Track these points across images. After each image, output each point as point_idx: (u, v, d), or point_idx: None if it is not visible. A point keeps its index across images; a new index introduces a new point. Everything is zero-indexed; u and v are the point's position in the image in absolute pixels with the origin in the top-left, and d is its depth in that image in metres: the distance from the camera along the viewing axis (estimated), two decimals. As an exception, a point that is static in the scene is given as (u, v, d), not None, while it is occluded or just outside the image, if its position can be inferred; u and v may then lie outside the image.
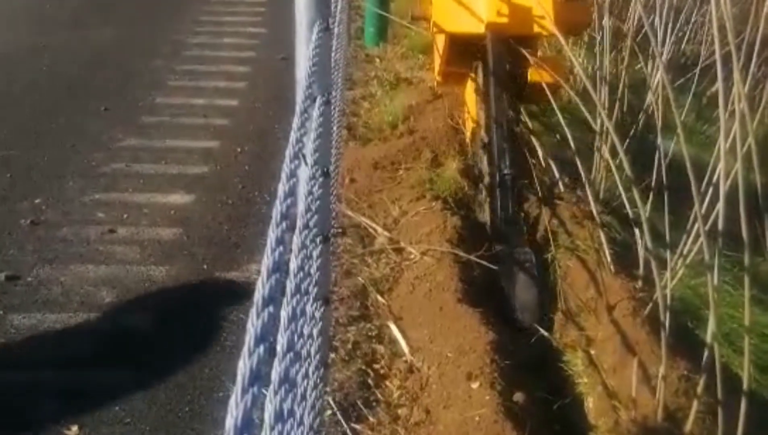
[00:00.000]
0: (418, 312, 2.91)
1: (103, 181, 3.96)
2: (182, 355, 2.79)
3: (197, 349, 2.82)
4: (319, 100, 1.76)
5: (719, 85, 2.13)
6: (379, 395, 2.58)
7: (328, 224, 2.00)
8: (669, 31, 3.30)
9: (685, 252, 2.54)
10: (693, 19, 5.07)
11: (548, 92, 3.35)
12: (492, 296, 3.01)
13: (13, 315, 2.95)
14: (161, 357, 2.78)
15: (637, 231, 2.90)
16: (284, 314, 1.01)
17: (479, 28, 3.52)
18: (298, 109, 1.42)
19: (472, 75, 3.80)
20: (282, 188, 1.10)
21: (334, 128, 2.76)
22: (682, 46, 5.07)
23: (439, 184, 3.71)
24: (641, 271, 2.91)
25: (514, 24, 3.47)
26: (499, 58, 3.47)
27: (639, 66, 3.83)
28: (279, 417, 0.86)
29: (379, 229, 3.47)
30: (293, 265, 1.14)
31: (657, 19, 3.34)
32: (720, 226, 2.14)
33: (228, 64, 5.61)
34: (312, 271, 1.44)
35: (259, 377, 0.77)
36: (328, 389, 2.46)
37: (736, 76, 2.14)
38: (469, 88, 3.91)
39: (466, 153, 3.98)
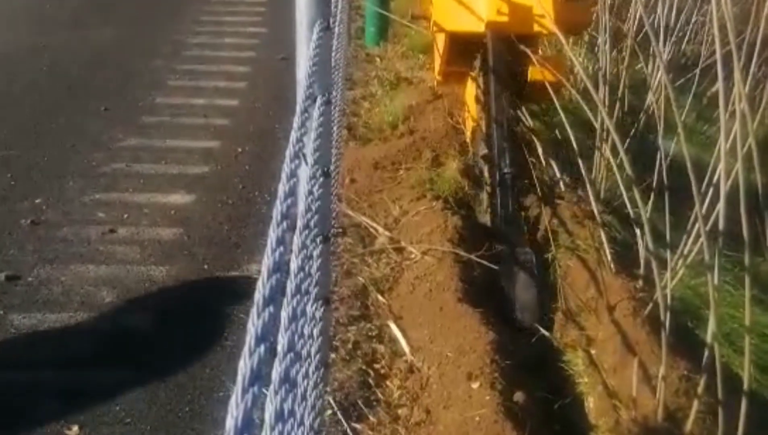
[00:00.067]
0: (419, 312, 2.91)
1: (104, 181, 3.96)
2: (182, 355, 2.79)
3: (197, 349, 2.82)
4: (319, 100, 1.76)
5: (720, 85, 2.13)
6: (379, 395, 2.58)
7: (328, 224, 2.00)
8: (669, 31, 3.29)
9: (685, 252, 2.54)
10: (693, 19, 5.07)
11: (551, 91, 3.35)
12: (492, 296, 3.01)
13: (13, 315, 2.95)
14: (161, 357, 2.78)
15: (637, 231, 2.90)
16: (285, 314, 1.01)
17: (479, 27, 3.52)
18: (298, 108, 1.42)
19: (473, 74, 3.80)
20: (282, 188, 1.10)
21: (335, 128, 2.76)
22: (683, 46, 5.07)
23: (440, 184, 3.71)
24: (642, 270, 2.91)
25: (514, 23, 3.47)
26: (499, 57, 3.47)
27: (639, 66, 3.83)
28: (279, 417, 0.86)
29: (380, 229, 3.47)
30: (294, 265, 1.14)
31: (657, 19, 3.34)
32: (720, 226, 2.14)
33: (228, 64, 5.61)
34: (312, 271, 1.44)
35: (259, 377, 0.77)
36: (328, 389, 2.46)
37: (737, 76, 2.14)
38: (470, 87, 3.91)
39: (467, 153, 3.98)
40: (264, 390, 0.79)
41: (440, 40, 3.93)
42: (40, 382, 2.64)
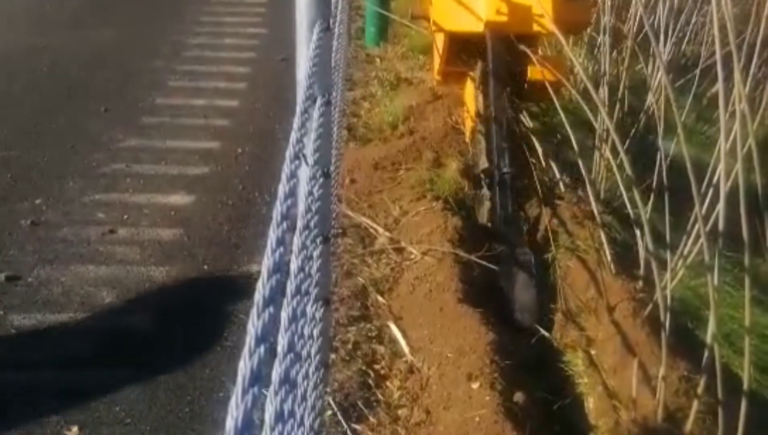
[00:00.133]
0: (419, 312, 2.91)
1: (104, 181, 3.96)
2: (182, 356, 2.79)
3: (197, 349, 2.82)
4: (319, 101, 1.76)
5: (720, 85, 2.13)
6: (379, 395, 2.58)
7: (328, 225, 2.00)
8: (669, 31, 3.29)
9: (685, 252, 2.54)
10: (693, 20, 5.07)
11: (551, 91, 3.35)
12: (492, 297, 3.01)
13: (13, 315, 2.95)
14: (161, 357, 2.78)
15: (637, 231, 2.90)
16: (285, 315, 1.01)
17: (478, 27, 3.52)
18: (298, 109, 1.42)
19: (472, 74, 3.80)
20: (282, 189, 1.10)
21: (335, 129, 2.76)
22: (683, 47, 5.07)
23: (440, 185, 3.71)
24: (642, 271, 2.91)
25: (513, 23, 3.48)
26: (498, 57, 3.47)
27: (639, 67, 3.83)
28: (279, 417, 0.86)
29: (380, 230, 3.47)
30: (294, 266, 1.14)
31: (657, 20, 3.34)
32: (720, 226, 2.14)
33: (228, 65, 5.61)
34: (312, 271, 1.44)
35: (259, 378, 0.77)
36: (328, 390, 2.46)
37: (737, 76, 2.14)
38: (469, 87, 3.91)
39: (467, 153, 3.98)
40: (264, 391, 0.79)
41: (439, 40, 3.93)
42: (40, 382, 2.64)
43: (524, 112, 3.92)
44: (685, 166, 2.29)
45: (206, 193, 3.88)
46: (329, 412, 2.45)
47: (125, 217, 3.65)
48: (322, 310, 1.69)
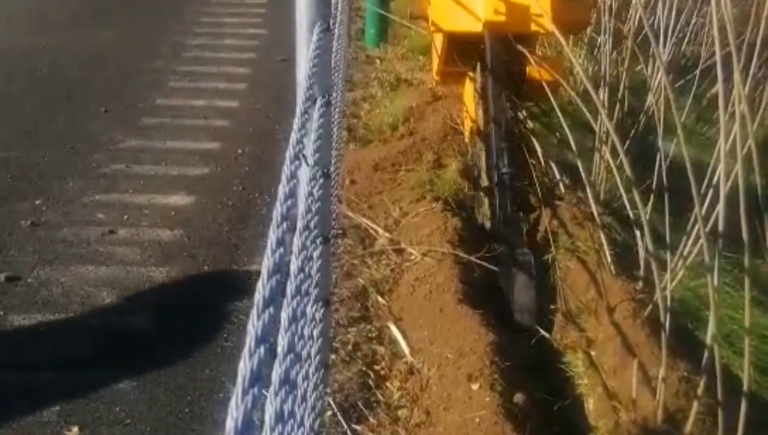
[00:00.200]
0: (419, 313, 2.91)
1: (104, 182, 3.96)
2: (182, 356, 2.79)
3: (197, 350, 2.82)
4: (319, 102, 1.76)
5: (719, 86, 2.13)
6: (379, 396, 2.58)
7: (328, 225, 2.01)
8: (669, 32, 3.30)
9: (685, 253, 2.54)
10: (693, 21, 5.07)
11: (548, 91, 3.35)
12: (492, 297, 3.01)
13: (13, 315, 2.95)
14: (161, 358, 2.78)
15: (637, 232, 2.90)
16: (285, 315, 1.01)
17: (477, 27, 3.52)
18: (298, 110, 1.42)
19: (471, 74, 3.80)
20: (282, 189, 1.10)
21: (335, 130, 2.76)
22: (683, 48, 5.07)
23: (440, 186, 3.71)
24: (642, 272, 2.91)
25: (511, 22, 3.47)
26: (497, 57, 3.47)
27: (639, 67, 3.83)
28: (279, 418, 0.86)
29: (380, 230, 3.47)
30: (294, 267, 1.14)
31: (657, 21, 3.34)
32: (720, 227, 2.14)
33: (228, 66, 5.61)
34: (312, 272, 1.44)
35: (259, 378, 0.77)
36: (328, 390, 2.46)
37: (737, 77, 2.14)
38: (468, 87, 3.91)
39: (467, 154, 3.99)
40: (264, 391, 0.79)
41: (438, 40, 3.93)
42: (40, 382, 2.64)
43: (524, 113, 3.92)
44: (685, 166, 2.29)
45: (206, 194, 3.88)
46: (329, 413, 2.45)
47: (125, 217, 3.65)
48: (322, 311, 1.69)
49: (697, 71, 4.34)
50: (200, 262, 3.34)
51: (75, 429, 2.47)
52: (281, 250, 0.95)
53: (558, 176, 3.66)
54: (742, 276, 2.29)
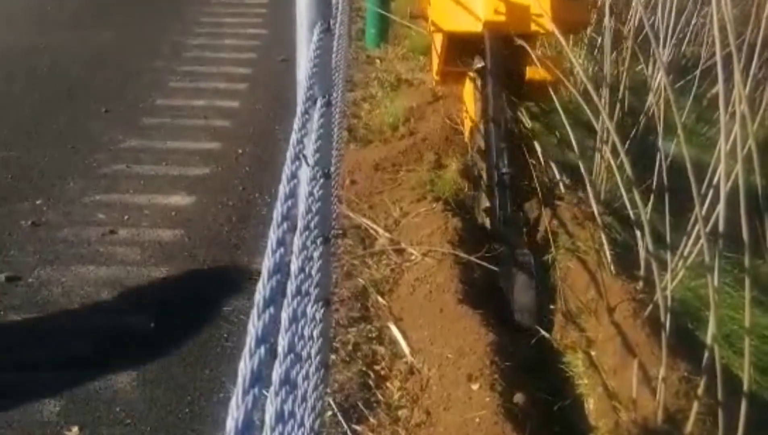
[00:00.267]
0: (419, 313, 2.91)
1: (104, 182, 3.96)
2: (182, 356, 2.79)
3: (198, 350, 2.82)
4: (320, 102, 1.76)
5: (720, 86, 2.13)
6: (379, 396, 2.58)
7: (328, 225, 2.00)
8: (670, 32, 3.30)
9: (685, 253, 2.54)
10: (694, 21, 5.07)
11: (550, 90, 3.35)
12: (493, 298, 3.01)
13: (13, 316, 2.95)
14: (161, 358, 2.78)
15: (637, 232, 2.90)
16: (285, 315, 1.01)
17: (477, 27, 3.52)
18: (299, 110, 1.42)
19: (471, 74, 3.80)
20: (283, 189, 1.10)
21: (335, 130, 2.76)
22: (683, 48, 5.07)
23: (440, 186, 3.71)
24: (642, 272, 2.91)
25: (511, 22, 3.47)
26: (497, 57, 3.47)
27: (640, 67, 3.83)
28: (280, 418, 0.86)
29: (380, 231, 3.47)
30: (294, 267, 1.14)
31: (657, 21, 3.34)
32: (720, 227, 2.14)
33: (228, 66, 5.61)
34: (313, 272, 1.44)
35: (259, 378, 0.77)
36: (328, 390, 2.46)
37: (737, 77, 2.14)
38: (468, 87, 3.91)
39: (467, 154, 3.99)
40: (264, 391, 0.79)
41: (438, 40, 3.93)
42: (40, 382, 2.64)
43: (524, 113, 3.92)
44: (686, 166, 2.29)
45: (207, 194, 3.89)
46: (329, 413, 2.45)
47: (126, 217, 3.65)
48: (322, 311, 1.69)
49: (698, 71, 4.33)
50: (201, 262, 3.34)
51: (75, 429, 2.47)
52: (282, 250, 0.95)
53: (558, 176, 3.65)
54: (742, 276, 2.29)
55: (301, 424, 1.21)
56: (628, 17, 3.77)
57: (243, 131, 4.61)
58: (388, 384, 2.64)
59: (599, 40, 3.84)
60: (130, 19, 6.52)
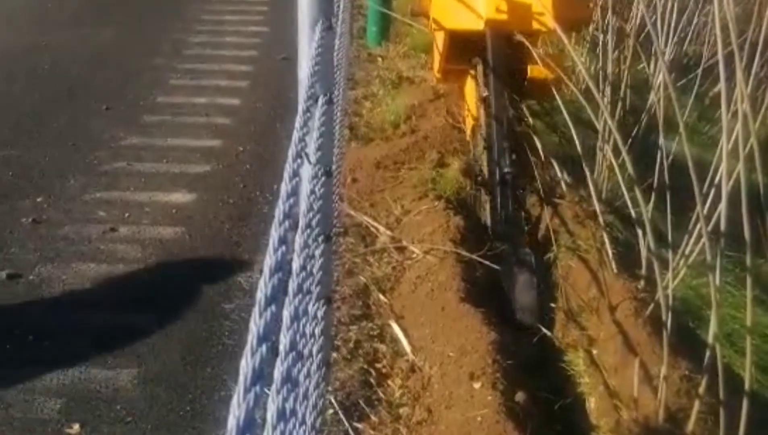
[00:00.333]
0: (420, 311, 2.91)
1: (105, 179, 3.96)
2: (183, 354, 2.79)
3: (199, 347, 2.82)
4: (321, 100, 1.76)
5: (722, 85, 2.12)
6: (380, 394, 2.58)
7: (330, 223, 2.00)
8: (671, 31, 3.29)
9: (687, 252, 2.54)
10: (695, 20, 5.06)
11: (552, 88, 3.34)
12: (494, 296, 3.01)
13: (14, 313, 2.95)
14: (162, 356, 2.78)
15: (639, 231, 2.90)
16: (286, 313, 1.00)
17: (479, 25, 3.52)
18: (300, 108, 1.42)
19: (472, 72, 3.80)
20: (284, 187, 1.09)
21: (337, 128, 2.76)
22: (685, 47, 5.06)
23: (442, 184, 3.71)
24: (643, 271, 2.91)
25: (513, 20, 3.47)
26: (498, 55, 3.47)
27: (641, 66, 3.82)
28: (281, 416, 0.86)
29: (381, 229, 3.47)
30: (295, 265, 1.14)
31: (659, 19, 3.34)
32: (722, 226, 2.14)
33: (230, 63, 5.61)
34: (314, 270, 1.44)
35: (261, 376, 0.77)
36: (330, 388, 2.46)
37: (739, 76, 2.14)
38: (469, 85, 3.91)
39: (469, 152, 3.98)
40: (266, 389, 0.79)
41: (439, 38, 3.93)
42: (40, 380, 2.64)
43: (526, 111, 3.91)
44: (687, 165, 2.29)
45: (207, 192, 3.88)
46: (331, 411, 2.45)
47: (126, 215, 3.65)
48: (323, 309, 1.69)
49: (699, 70, 4.33)
50: (201, 260, 3.34)
51: (76, 426, 2.47)
52: (283, 248, 0.95)
53: (559, 174, 3.65)
54: (744, 275, 2.29)
55: (303, 422, 1.20)
56: (630, 15, 3.76)
57: (244, 129, 4.61)
58: (389, 382, 2.64)
59: (601, 38, 3.84)
60: (131, 18, 6.52)
